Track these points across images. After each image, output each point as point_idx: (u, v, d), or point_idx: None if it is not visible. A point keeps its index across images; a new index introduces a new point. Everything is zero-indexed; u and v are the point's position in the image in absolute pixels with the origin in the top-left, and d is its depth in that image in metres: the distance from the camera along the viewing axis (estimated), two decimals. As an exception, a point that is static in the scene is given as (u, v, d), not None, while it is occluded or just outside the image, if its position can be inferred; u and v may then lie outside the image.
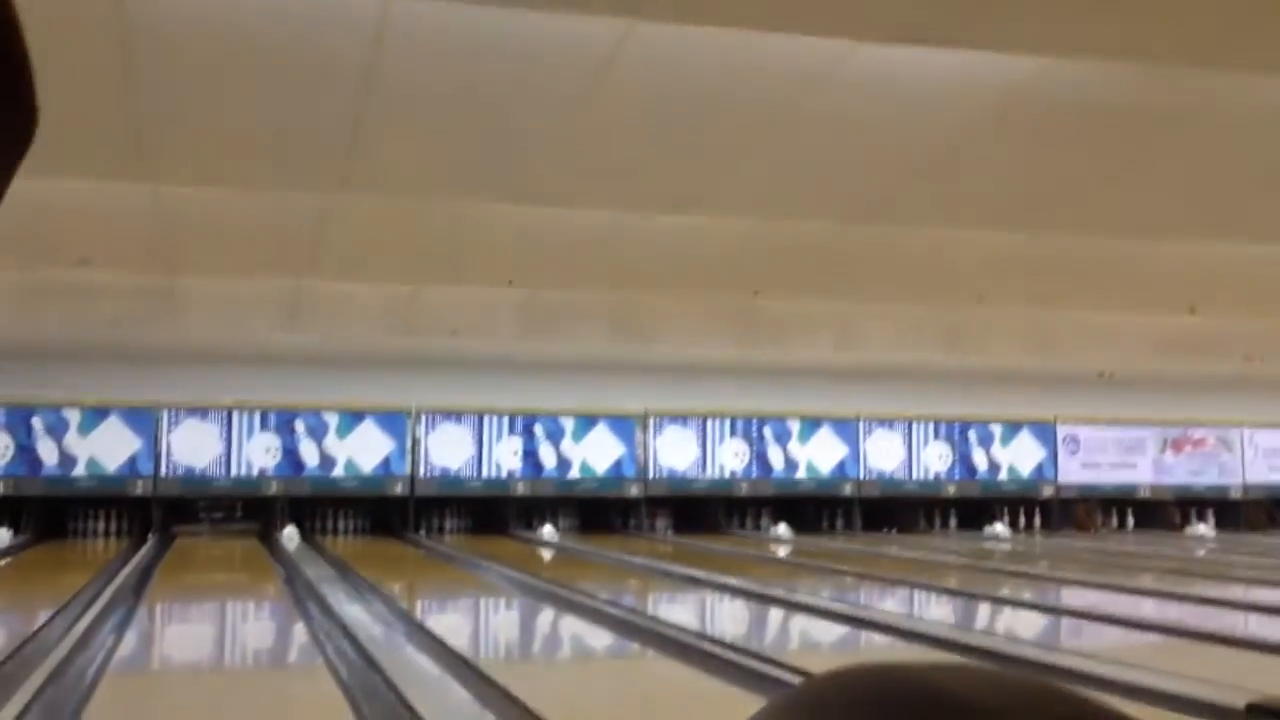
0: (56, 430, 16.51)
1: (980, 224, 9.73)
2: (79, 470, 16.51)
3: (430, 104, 7.33)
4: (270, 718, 5.60)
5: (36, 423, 16.44)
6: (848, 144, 7.46)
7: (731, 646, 7.26)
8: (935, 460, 19.83)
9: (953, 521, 19.96)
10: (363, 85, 7.01)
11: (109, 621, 8.65)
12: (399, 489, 17.63)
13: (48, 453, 16.45)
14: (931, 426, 19.85)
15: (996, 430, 19.99)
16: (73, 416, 16.57)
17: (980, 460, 19.93)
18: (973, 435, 19.93)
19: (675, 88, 6.69)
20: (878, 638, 8.18)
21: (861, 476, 19.49)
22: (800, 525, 18.68)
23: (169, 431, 16.91)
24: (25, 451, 16.35)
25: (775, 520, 18.94)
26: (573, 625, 9.16)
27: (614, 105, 7.04)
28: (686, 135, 7.42)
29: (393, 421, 17.69)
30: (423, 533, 17.22)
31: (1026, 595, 11.35)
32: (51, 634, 7.82)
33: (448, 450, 17.92)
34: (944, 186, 8.43)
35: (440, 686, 6.21)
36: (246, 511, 17.07)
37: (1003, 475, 19.94)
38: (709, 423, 19.02)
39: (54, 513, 16.59)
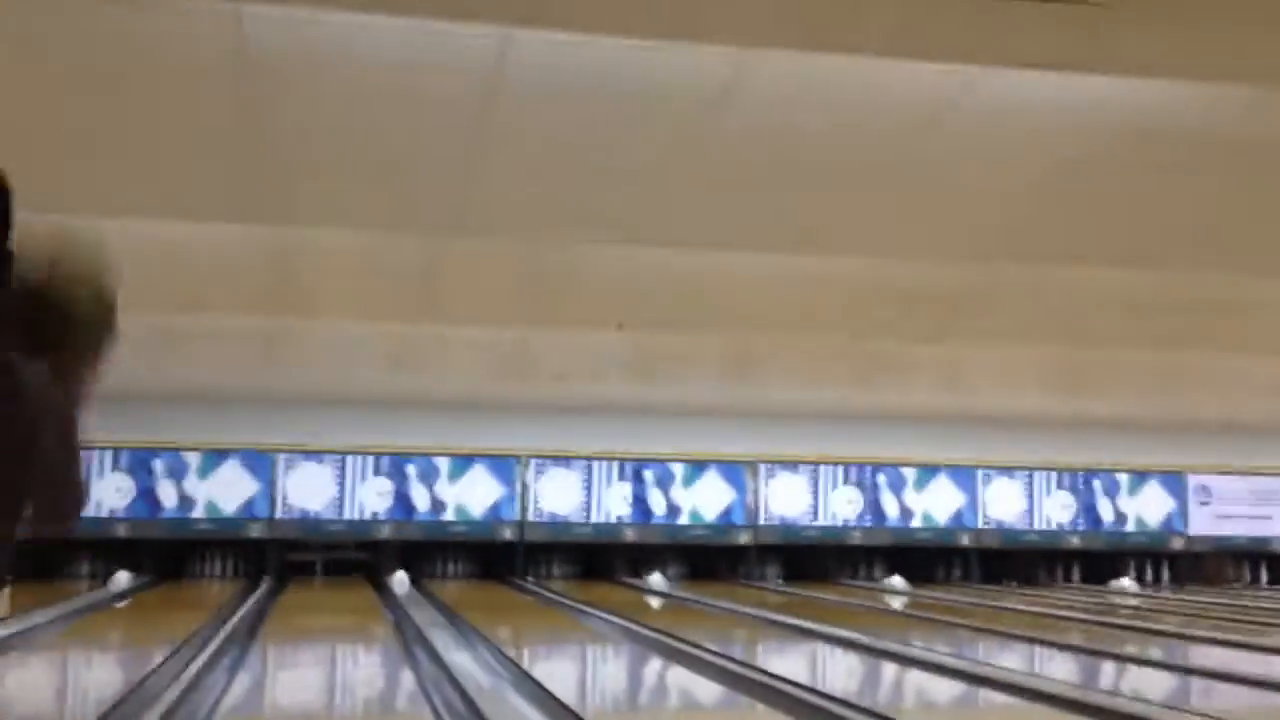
0: (176, 473, 16.80)
1: (1108, 261, 9.37)
2: (197, 512, 16.76)
3: (543, 144, 7.29)
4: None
5: (157, 465, 16.75)
6: (971, 177, 7.22)
7: (843, 701, 6.97)
8: (1058, 510, 19.20)
9: (1076, 574, 19.28)
10: (477, 126, 6.99)
11: (221, 664, 8.66)
12: (508, 534, 17.59)
13: (167, 495, 16.73)
14: (1054, 475, 19.23)
15: (1123, 480, 19.29)
16: (192, 460, 16.85)
17: (1106, 511, 19.23)
18: (1098, 485, 19.25)
19: (793, 122, 6.54)
20: (997, 697, 7.82)
21: (980, 526, 18.95)
22: (915, 576, 18.19)
23: (284, 475, 17.10)
24: (145, 494, 16.66)
25: (889, 570, 18.47)
26: (680, 675, 8.93)
27: (730, 142, 6.91)
28: (804, 171, 7.26)
29: (502, 466, 17.68)
30: (530, 579, 17.12)
31: (1155, 653, 10.81)
32: (165, 676, 7.84)
33: (557, 496, 17.84)
34: (1070, 221, 8.13)
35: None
36: (358, 555, 17.14)
37: (1129, 526, 19.20)
38: (821, 469, 18.68)
39: (172, 555, 16.85)
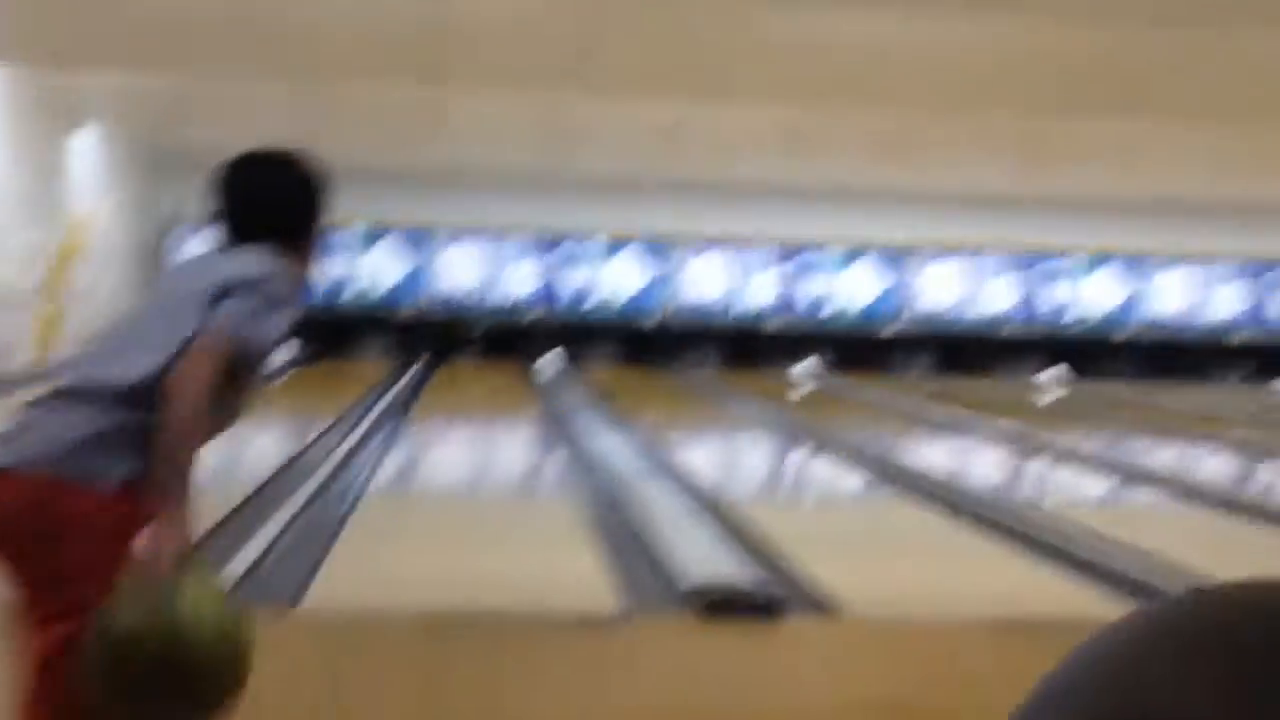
0: (335, 250, 17.11)
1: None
2: (354, 291, 17.14)
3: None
4: (517, 545, 5.56)
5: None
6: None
7: (989, 497, 6.84)
8: (1227, 304, 18.34)
9: (1244, 372, 18.52)
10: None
11: (373, 441, 8.91)
12: (655, 320, 17.63)
13: (324, 272, 17.11)
14: (1228, 266, 18.29)
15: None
16: (349, 238, 17.12)
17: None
18: (1274, 278, 18.27)
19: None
20: (1145, 495, 7.59)
21: (1144, 319, 18.25)
22: (1073, 369, 17.71)
23: (439, 254, 17.31)
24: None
25: (1045, 363, 18.01)
26: (823, 466, 8.89)
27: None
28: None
29: (653, 250, 17.60)
30: (677, 365, 17.22)
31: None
32: (320, 451, 8.10)
33: (706, 281, 17.74)
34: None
35: (686, 523, 6.07)
36: (508, 338, 17.40)
37: (1307, 322, 18.28)
38: (978, 257, 18.11)
39: (330, 331, 17.32)
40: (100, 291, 15.02)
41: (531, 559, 4.94)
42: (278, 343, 2.20)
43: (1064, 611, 4.11)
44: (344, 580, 4.31)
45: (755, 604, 3.85)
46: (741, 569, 4.42)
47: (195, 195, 11.02)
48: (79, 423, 2.06)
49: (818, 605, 4.12)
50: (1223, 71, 10.06)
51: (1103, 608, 4.27)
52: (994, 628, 3.81)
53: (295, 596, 4.08)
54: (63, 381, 2.16)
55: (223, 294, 2.13)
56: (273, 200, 2.39)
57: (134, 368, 2.09)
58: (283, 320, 2.20)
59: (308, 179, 2.41)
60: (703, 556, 4.64)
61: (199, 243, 16.54)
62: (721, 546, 4.98)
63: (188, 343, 2.06)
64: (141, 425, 2.04)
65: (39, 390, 2.20)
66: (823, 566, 4.72)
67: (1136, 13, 8.21)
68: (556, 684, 3.25)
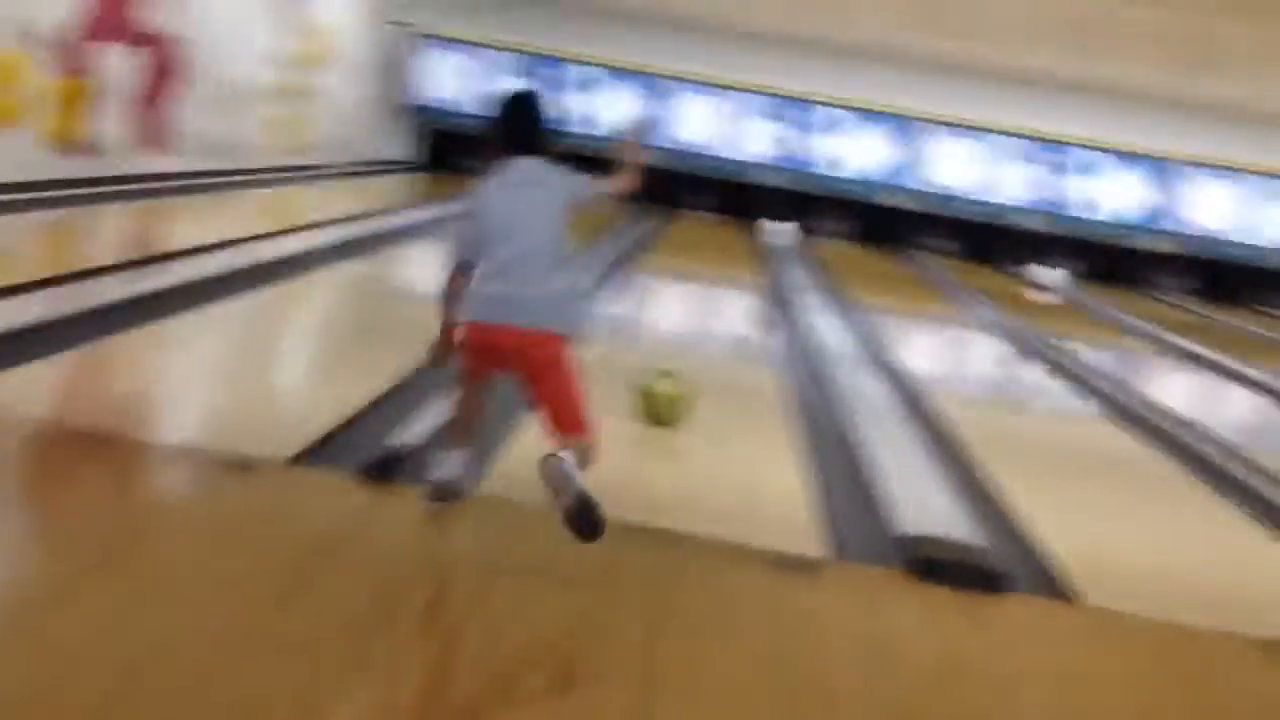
0: (584, 85, 16.82)
1: None
2: (578, 128, 16.84)
3: None
4: (716, 413, 5.23)
5: (559, 73, 16.84)
6: None
7: (1215, 441, 6.12)
8: None
9: None
10: None
11: (601, 291, 8.67)
12: (898, 200, 16.81)
13: (569, 106, 16.87)
14: None
15: None
16: (597, 73, 16.76)
17: None
18: None
19: None
20: None
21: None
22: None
23: (671, 102, 16.81)
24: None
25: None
26: (1045, 381, 8.23)
27: None
28: None
29: (902, 128, 16.69)
30: (914, 251, 16.42)
31: None
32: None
33: (955, 167, 16.78)
34: None
35: (884, 413, 5.65)
36: (743, 200, 16.88)
37: None
38: (1254, 180, 16.54)
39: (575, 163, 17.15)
40: (338, 99, 15.16)
41: (732, 455, 4.58)
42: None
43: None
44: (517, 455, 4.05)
45: (977, 571, 3.40)
46: (963, 520, 3.95)
47: (434, 10, 10.83)
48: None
49: (1047, 579, 3.64)
50: None
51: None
52: (1266, 647, 3.27)
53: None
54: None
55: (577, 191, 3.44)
56: (543, 127, 3.52)
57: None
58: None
59: (546, 110, 3.54)
60: (920, 496, 4.19)
61: (435, 56, 16.66)
62: (940, 482, 4.52)
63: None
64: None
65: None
66: (1051, 522, 4.22)
67: None
68: (741, 622, 2.91)
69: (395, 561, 2.98)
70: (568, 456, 3.07)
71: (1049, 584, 3.59)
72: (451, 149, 17.12)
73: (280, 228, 9.02)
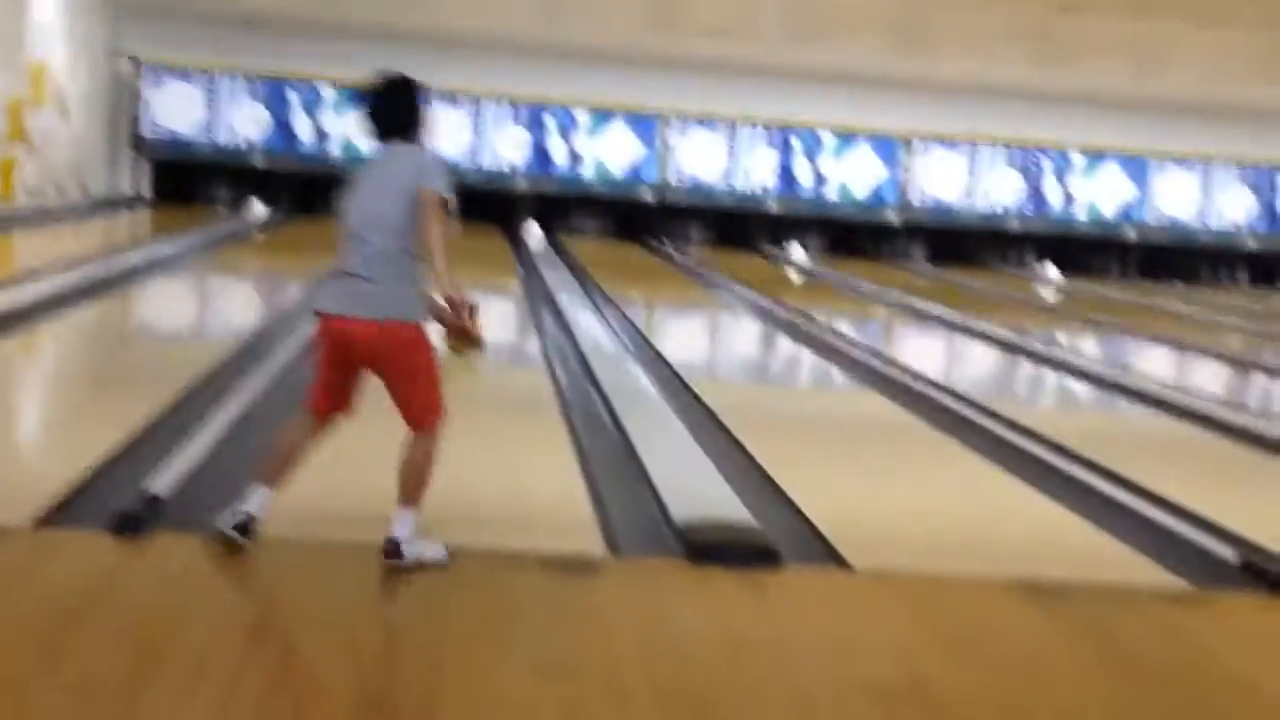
0: (312, 107, 16.45)
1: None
2: (335, 150, 16.50)
3: None
4: (489, 409, 5.22)
5: (293, 97, 16.41)
6: None
7: (973, 402, 6.47)
8: (1234, 207, 17.94)
9: (1246, 276, 18.21)
10: None
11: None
12: (647, 195, 17.08)
13: (303, 129, 16.47)
14: (1235, 170, 17.84)
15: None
16: (328, 95, 16.44)
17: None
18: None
19: None
20: (1135, 409, 7.21)
21: (1147, 220, 17.85)
22: (1072, 268, 17.34)
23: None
24: (282, 127, 16.42)
25: (1043, 260, 17.63)
26: (804, 357, 8.52)
27: None
28: None
29: (645, 124, 16.96)
30: (667, 243, 16.72)
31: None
32: (302, 310, 7.74)
33: (700, 159, 17.16)
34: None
35: (651, 404, 5.73)
36: (491, 206, 16.83)
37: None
38: (979, 148, 17.57)
39: (308, 190, 16.76)
40: (60, 138, 14.37)
41: (504, 459, 4.54)
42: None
43: (1088, 566, 3.77)
44: (299, 486, 3.92)
45: (752, 550, 3.47)
46: (733, 501, 4.02)
47: (156, 41, 10.44)
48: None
49: (818, 549, 3.74)
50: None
51: (1120, 551, 3.93)
52: (1020, 589, 3.44)
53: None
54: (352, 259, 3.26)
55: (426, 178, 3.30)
56: (413, 112, 3.46)
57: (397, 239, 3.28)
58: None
59: (421, 93, 3.49)
60: (690, 482, 4.24)
61: (160, 89, 15.99)
62: (709, 465, 4.59)
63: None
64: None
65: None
66: (816, 492, 4.35)
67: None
68: (523, 629, 2.88)
69: (152, 618, 2.82)
70: (403, 537, 3.12)
71: (819, 553, 3.70)
72: (182, 180, 16.47)
73: (8, 277, 8.47)
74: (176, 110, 16.19)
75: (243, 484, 3.33)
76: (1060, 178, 17.68)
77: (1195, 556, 3.99)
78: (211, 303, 9.55)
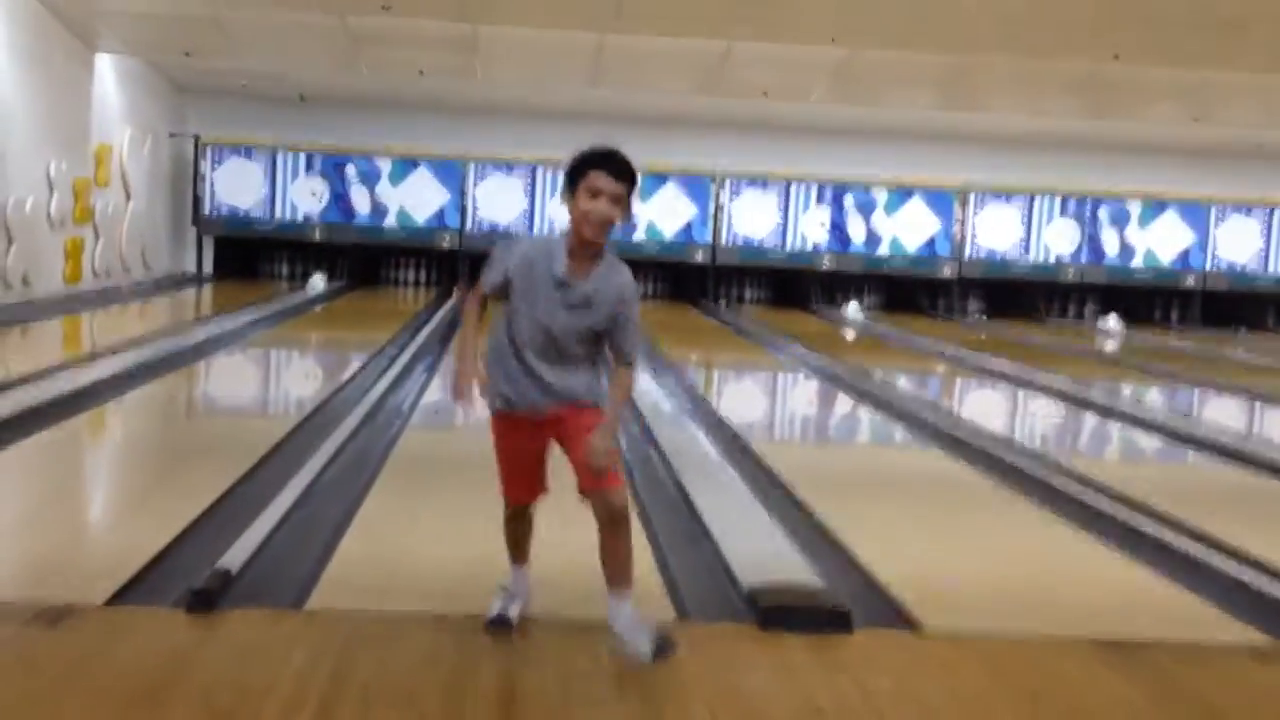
0: (369, 179, 16.75)
1: None
2: (390, 221, 16.77)
3: None
4: (551, 476, 5.21)
5: (350, 171, 16.71)
6: None
7: (1028, 453, 6.38)
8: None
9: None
10: None
11: (415, 372, 8.62)
12: (699, 256, 17.14)
13: (361, 202, 16.75)
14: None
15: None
16: (384, 166, 16.74)
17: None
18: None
19: None
20: (1203, 460, 7.08)
21: (1208, 268, 17.63)
22: (1132, 318, 17.15)
23: (475, 185, 16.89)
24: (339, 199, 16.70)
25: (1104, 310, 17.45)
26: (861, 414, 8.45)
27: None
28: None
29: (696, 186, 17.07)
30: (721, 303, 16.73)
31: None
32: (363, 381, 7.83)
33: (752, 218, 17.21)
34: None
35: (713, 466, 5.70)
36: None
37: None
38: (1035, 200, 17.49)
39: (367, 261, 17.03)
40: (126, 218, 14.69)
41: (567, 526, 4.54)
42: None
43: (1167, 622, 3.68)
44: (364, 557, 3.93)
45: (822, 614, 3.42)
46: (800, 563, 3.98)
47: (216, 120, 10.73)
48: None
49: (888, 610, 3.69)
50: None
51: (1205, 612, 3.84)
52: (1099, 648, 3.37)
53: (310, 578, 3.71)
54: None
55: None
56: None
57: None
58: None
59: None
60: (756, 545, 4.21)
61: (221, 167, 16.35)
62: (773, 528, 4.56)
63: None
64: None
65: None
66: (881, 551, 4.30)
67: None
68: (594, 699, 2.86)
69: (225, 696, 2.83)
70: (623, 616, 3.04)
71: (890, 615, 3.65)
72: (243, 255, 16.78)
73: (73, 357, 8.64)
74: (237, 186, 16.53)
75: (312, 556, 3.34)
76: (1117, 226, 17.54)
77: (1275, 610, 3.89)
78: (274, 376, 9.67)
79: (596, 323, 3.14)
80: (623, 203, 3.18)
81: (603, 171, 3.18)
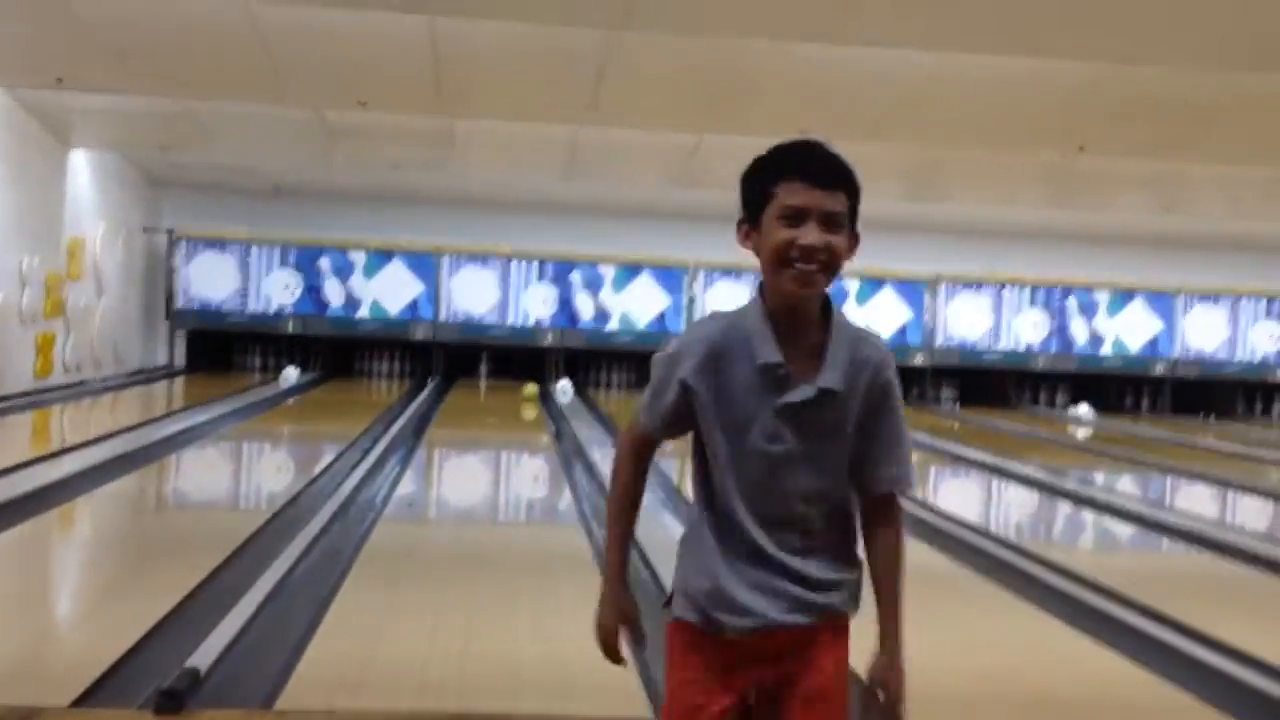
0: (343, 272, 16.79)
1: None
2: (363, 312, 16.79)
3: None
4: (529, 571, 5.33)
5: (324, 263, 16.75)
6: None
7: (1012, 545, 6.38)
8: (1264, 340, 17.92)
9: (1278, 408, 18.11)
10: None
11: (388, 464, 8.59)
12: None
13: (334, 294, 16.77)
14: (1263, 303, 17.88)
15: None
16: (358, 259, 16.80)
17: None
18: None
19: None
20: (1179, 549, 7.09)
21: (1176, 355, 17.83)
22: (1103, 406, 17.28)
23: (449, 277, 16.96)
24: (313, 291, 16.73)
25: (1075, 399, 17.58)
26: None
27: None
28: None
29: (669, 276, 17.19)
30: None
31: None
32: (336, 474, 7.79)
33: (725, 307, 17.33)
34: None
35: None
36: (522, 361, 17.00)
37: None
38: (1005, 290, 17.70)
39: (340, 352, 17.01)
40: (96, 312, 14.66)
41: (541, 621, 4.50)
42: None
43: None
44: (336, 654, 3.87)
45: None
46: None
47: (190, 213, 10.75)
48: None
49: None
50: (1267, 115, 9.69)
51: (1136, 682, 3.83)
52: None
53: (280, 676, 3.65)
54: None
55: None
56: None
57: None
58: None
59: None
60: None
61: (194, 260, 16.37)
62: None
63: None
64: None
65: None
66: (854, 643, 4.26)
67: (1202, 51, 7.81)
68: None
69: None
70: None
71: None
72: (216, 348, 16.75)
73: (43, 452, 8.57)
74: (210, 280, 16.53)
75: (283, 653, 3.29)
76: (1086, 315, 17.74)
77: (1249, 698, 3.89)
78: (246, 469, 9.60)
79: (850, 427, 1.98)
80: (843, 224, 2.00)
81: (802, 182, 1.99)
